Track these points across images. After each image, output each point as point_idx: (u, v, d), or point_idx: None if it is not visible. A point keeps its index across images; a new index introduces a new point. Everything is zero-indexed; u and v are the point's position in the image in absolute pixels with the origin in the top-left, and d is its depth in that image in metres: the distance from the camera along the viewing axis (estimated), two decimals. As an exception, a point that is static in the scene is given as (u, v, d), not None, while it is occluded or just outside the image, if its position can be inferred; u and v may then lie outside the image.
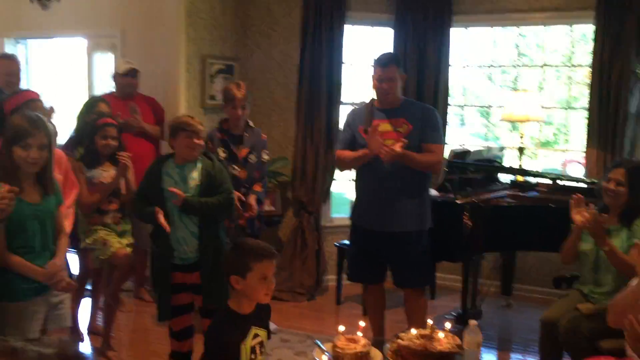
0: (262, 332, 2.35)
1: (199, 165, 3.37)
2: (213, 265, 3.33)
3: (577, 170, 5.06)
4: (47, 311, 2.71)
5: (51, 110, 3.61)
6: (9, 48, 5.90)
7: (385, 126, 3.54)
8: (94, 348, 3.98)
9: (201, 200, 3.27)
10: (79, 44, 5.90)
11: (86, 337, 4.13)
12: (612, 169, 3.28)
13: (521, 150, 4.81)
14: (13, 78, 4.11)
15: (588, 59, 4.80)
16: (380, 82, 3.51)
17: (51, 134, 2.61)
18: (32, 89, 4.51)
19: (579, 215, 3.14)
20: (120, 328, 4.43)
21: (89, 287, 4.22)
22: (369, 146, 3.44)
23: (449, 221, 3.93)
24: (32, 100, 3.09)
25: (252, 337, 2.28)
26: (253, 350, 2.29)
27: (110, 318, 3.91)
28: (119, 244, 3.67)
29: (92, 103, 4.05)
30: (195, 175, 3.34)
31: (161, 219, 3.22)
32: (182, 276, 3.35)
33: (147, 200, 3.32)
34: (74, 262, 3.63)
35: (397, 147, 3.33)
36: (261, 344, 2.33)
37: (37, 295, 2.65)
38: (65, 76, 6.54)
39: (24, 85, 5.75)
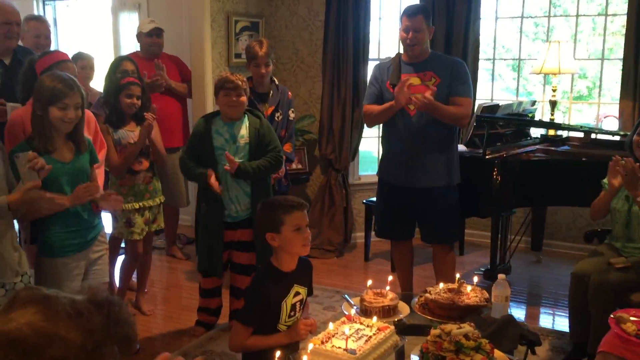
0: (302, 290, 2.37)
1: (246, 122, 3.37)
2: None
3: (613, 124, 4.91)
4: (86, 267, 2.80)
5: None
6: (37, 10, 5.93)
7: (413, 80, 3.48)
8: (129, 303, 4.10)
9: (253, 166, 3.29)
10: (104, 3, 5.89)
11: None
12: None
13: (553, 104, 4.69)
14: (42, 39, 4.12)
15: (624, 7, 4.61)
16: (406, 32, 3.44)
17: (84, 95, 2.63)
18: (61, 49, 4.55)
19: (616, 180, 3.06)
20: (153, 284, 4.55)
21: (123, 244, 4.32)
22: (395, 98, 3.40)
23: (477, 176, 3.88)
24: (62, 61, 3.10)
25: (294, 294, 2.31)
26: (293, 307, 2.32)
27: (143, 273, 4.01)
28: (140, 235, 3.68)
29: (118, 63, 4.05)
30: (244, 133, 3.35)
31: (213, 181, 3.24)
32: (228, 234, 3.39)
33: (197, 159, 3.34)
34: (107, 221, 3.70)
35: (428, 94, 3.30)
36: (301, 301, 2.36)
37: (77, 251, 2.72)
38: (92, 37, 6.56)
39: (53, 47, 5.82)
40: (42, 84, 2.58)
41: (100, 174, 3.16)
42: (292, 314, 2.31)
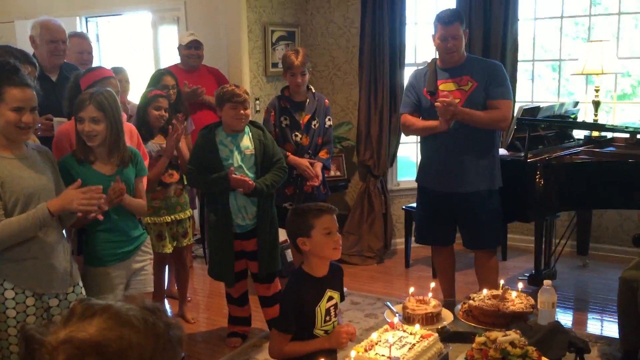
0: (336, 295, 2.38)
1: (249, 133, 3.43)
2: (269, 232, 3.42)
3: (659, 123, 4.77)
4: (128, 276, 2.85)
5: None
6: (81, 26, 6.10)
7: (449, 85, 3.46)
8: (172, 312, 4.17)
9: (267, 183, 3.36)
10: (144, 18, 6.03)
11: (165, 302, 4.33)
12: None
13: (597, 104, 4.59)
14: (85, 55, 4.24)
15: (670, 2, 4.48)
16: (444, 41, 3.41)
17: (106, 107, 2.65)
18: (104, 65, 4.68)
19: None
20: (196, 292, 4.62)
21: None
22: (440, 122, 3.39)
23: (519, 180, 3.82)
24: (106, 77, 3.17)
25: (327, 299, 2.32)
26: (328, 312, 2.32)
27: (183, 284, 4.07)
28: (169, 247, 3.71)
29: (158, 76, 4.13)
30: (248, 144, 3.41)
31: (236, 175, 3.28)
32: (238, 244, 3.44)
33: (202, 171, 3.38)
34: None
35: (449, 99, 3.29)
36: (335, 306, 2.36)
37: (120, 261, 2.79)
38: (133, 51, 6.72)
39: (96, 62, 5.98)
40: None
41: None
42: (328, 318, 2.31)
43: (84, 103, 2.64)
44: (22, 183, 2.32)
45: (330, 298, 2.33)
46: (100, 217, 2.50)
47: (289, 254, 4.51)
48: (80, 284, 2.62)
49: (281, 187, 3.74)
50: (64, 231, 2.62)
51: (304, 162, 3.91)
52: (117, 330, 0.95)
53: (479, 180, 3.48)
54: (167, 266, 4.09)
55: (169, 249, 3.71)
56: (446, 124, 3.38)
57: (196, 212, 4.95)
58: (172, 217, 3.69)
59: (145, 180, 3.00)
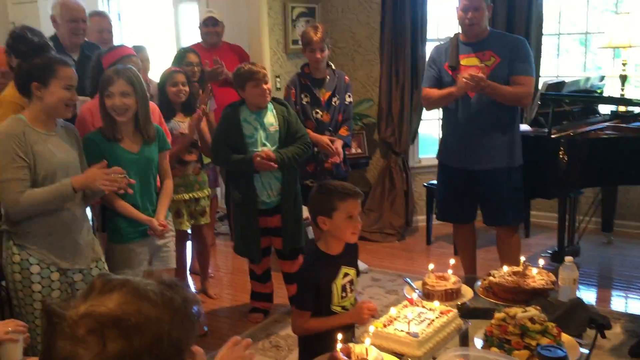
0: (351, 271, 2.39)
1: (272, 109, 3.43)
2: (293, 208, 3.44)
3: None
4: (151, 253, 2.90)
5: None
6: (102, 5, 6.13)
7: (471, 60, 3.41)
8: (196, 288, 4.24)
9: (289, 155, 3.37)
10: (165, -4, 6.03)
11: (189, 277, 4.39)
12: None
13: (624, 78, 4.48)
14: (105, 34, 4.26)
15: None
16: (465, 11, 3.36)
17: (134, 82, 2.69)
18: (126, 43, 4.70)
19: None
20: (219, 269, 4.68)
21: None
22: (457, 85, 3.34)
23: (542, 157, 3.77)
24: (127, 56, 3.20)
25: (343, 276, 2.33)
26: (344, 288, 2.34)
27: (205, 261, 4.12)
28: (187, 225, 3.72)
29: (182, 54, 4.14)
30: (272, 121, 3.42)
31: (260, 160, 3.30)
32: (263, 220, 3.46)
33: (229, 147, 3.40)
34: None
35: (479, 74, 3.23)
36: (351, 282, 2.38)
37: (143, 237, 2.83)
38: (154, 29, 6.73)
39: (118, 40, 6.00)
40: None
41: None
42: (344, 295, 2.33)
43: (112, 78, 2.67)
44: (52, 159, 2.40)
45: (346, 274, 2.35)
46: (130, 191, 2.59)
47: (310, 231, 4.53)
48: (103, 259, 2.67)
49: (302, 164, 3.74)
50: (88, 208, 2.67)
51: (325, 139, 3.90)
52: (135, 304, 0.97)
53: (497, 157, 3.45)
54: (189, 243, 4.14)
55: (186, 227, 3.73)
56: (464, 90, 3.33)
57: (219, 190, 4.98)
58: (190, 195, 3.70)
59: (167, 155, 3.03)
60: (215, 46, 4.74)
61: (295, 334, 2.45)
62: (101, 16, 4.40)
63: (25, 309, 2.43)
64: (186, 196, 3.69)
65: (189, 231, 3.90)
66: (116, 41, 4.62)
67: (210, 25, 4.69)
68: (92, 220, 3.32)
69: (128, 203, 2.75)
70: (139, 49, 4.54)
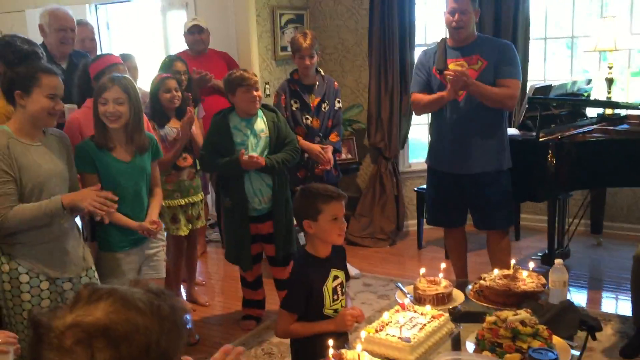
0: (340, 274, 2.39)
1: (262, 116, 3.44)
2: (284, 214, 3.44)
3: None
4: (141, 262, 2.88)
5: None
6: (90, 14, 6.11)
7: (459, 64, 3.42)
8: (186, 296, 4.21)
9: (278, 160, 3.38)
10: (153, 4, 6.02)
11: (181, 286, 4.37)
12: None
13: (610, 81, 4.52)
14: (87, 42, 4.26)
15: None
16: (452, 14, 3.38)
17: (130, 90, 2.68)
18: (114, 52, 4.69)
19: None
20: (210, 276, 4.66)
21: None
22: (448, 89, 3.35)
23: (531, 160, 3.79)
24: (114, 64, 3.19)
25: (333, 278, 2.34)
26: (335, 291, 2.34)
27: (192, 267, 4.11)
28: (185, 231, 3.72)
29: (169, 62, 4.13)
30: (262, 127, 3.43)
31: (247, 158, 3.29)
32: (254, 227, 3.46)
33: (219, 154, 3.40)
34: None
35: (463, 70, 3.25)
36: (341, 284, 2.38)
37: (132, 246, 2.81)
38: (143, 37, 6.71)
39: (106, 48, 5.99)
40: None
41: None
42: (335, 297, 2.33)
43: (107, 85, 2.65)
44: (39, 170, 2.37)
45: (336, 277, 2.35)
46: (106, 221, 2.52)
47: (302, 237, 4.53)
48: (94, 268, 2.65)
49: (292, 170, 3.75)
50: (77, 217, 2.65)
51: (316, 147, 3.91)
52: (123, 313, 0.96)
53: (486, 161, 3.46)
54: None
55: (184, 232, 3.73)
56: (455, 94, 3.35)
57: (209, 197, 4.98)
58: (186, 200, 3.71)
59: (157, 164, 3.02)
60: (202, 53, 4.73)
61: (277, 336, 2.45)
62: (81, 25, 4.38)
63: (15, 319, 2.41)
64: (182, 201, 3.69)
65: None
66: (105, 50, 4.61)
67: (195, 33, 4.69)
68: (82, 229, 3.29)
69: (119, 212, 2.74)
70: (126, 57, 4.53)
